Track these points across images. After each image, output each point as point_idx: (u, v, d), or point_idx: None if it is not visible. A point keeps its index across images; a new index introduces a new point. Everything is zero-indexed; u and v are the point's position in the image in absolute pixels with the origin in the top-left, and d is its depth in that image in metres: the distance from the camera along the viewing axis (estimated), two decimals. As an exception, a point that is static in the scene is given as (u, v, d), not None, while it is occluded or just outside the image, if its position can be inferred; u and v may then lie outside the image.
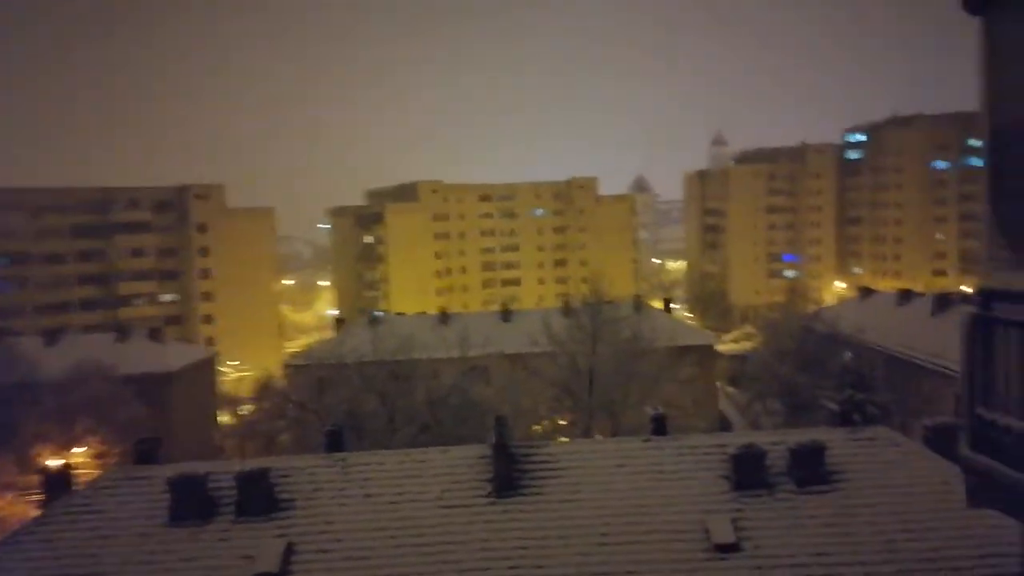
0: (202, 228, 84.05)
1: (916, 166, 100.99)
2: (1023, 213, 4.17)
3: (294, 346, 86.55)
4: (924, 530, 14.09)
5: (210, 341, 76.93)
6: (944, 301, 45.48)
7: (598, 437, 31.16)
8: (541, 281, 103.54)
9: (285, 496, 16.68)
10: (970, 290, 60.39)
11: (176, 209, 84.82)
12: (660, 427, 19.08)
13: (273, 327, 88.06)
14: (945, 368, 36.88)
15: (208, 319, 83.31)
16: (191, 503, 16.17)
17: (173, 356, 49.63)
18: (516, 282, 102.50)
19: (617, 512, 15.46)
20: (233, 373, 72.19)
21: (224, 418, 54.74)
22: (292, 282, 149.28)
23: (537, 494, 16.24)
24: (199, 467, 17.69)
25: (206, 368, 55.67)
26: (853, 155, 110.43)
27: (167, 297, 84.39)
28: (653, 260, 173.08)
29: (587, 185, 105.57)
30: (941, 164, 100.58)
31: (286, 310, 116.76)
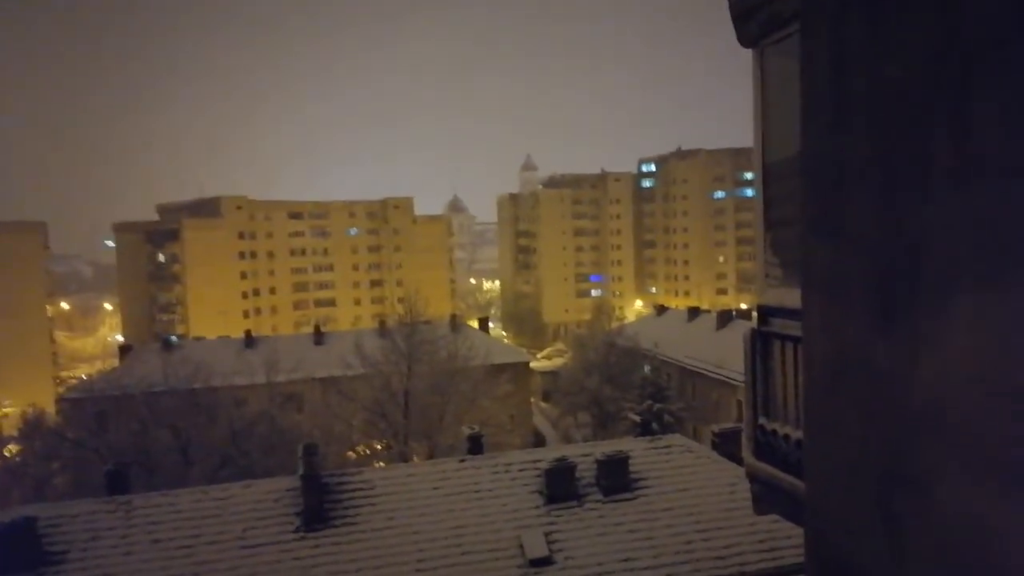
0: (-46, 244, 72.73)
1: (699, 195, 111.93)
2: (790, 238, 4.54)
3: (72, 377, 77.03)
4: (716, 529, 15.31)
5: (-36, 374, 66.32)
6: (726, 317, 50.69)
7: (415, 460, 30.74)
8: (357, 302, 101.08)
9: (56, 548, 14.59)
10: (747, 307, 67.78)
11: (-81, 221, 72.73)
12: (476, 446, 19.20)
13: (45, 356, 77.93)
14: (728, 378, 40.89)
15: (-38, 349, 71.86)
16: (-71, 569, 13.61)
17: (-88, 393, 42.10)
18: (330, 303, 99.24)
19: (433, 536, 15.22)
20: (-5, 410, 62.67)
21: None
22: (68, 306, 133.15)
23: (350, 525, 15.56)
24: (-58, 524, 14.96)
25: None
26: (647, 183, 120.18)
27: (-93, 324, 71.77)
28: (470, 280, 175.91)
29: (403, 205, 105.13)
30: (720, 194, 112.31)
31: (61, 337, 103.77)
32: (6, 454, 41.11)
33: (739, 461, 16.28)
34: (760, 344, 4.79)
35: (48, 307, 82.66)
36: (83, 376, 66.30)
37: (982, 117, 1.91)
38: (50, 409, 40.17)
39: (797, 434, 4.20)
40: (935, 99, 2.04)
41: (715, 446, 18.57)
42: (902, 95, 2.15)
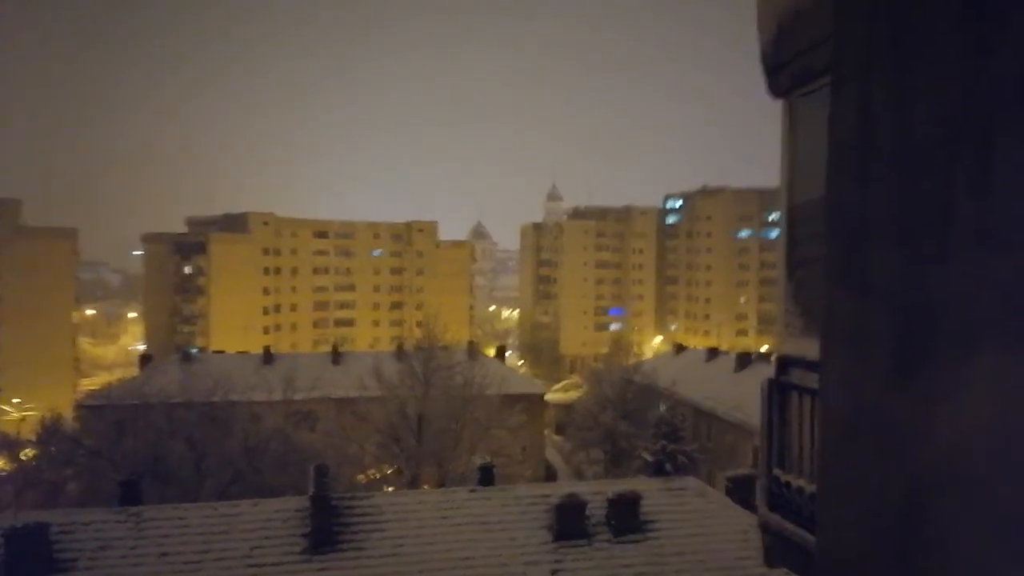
0: (-11, 247, 74.38)
1: (723, 234, 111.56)
2: (814, 284, 4.51)
3: (92, 384, 77.93)
4: (725, 576, 15.00)
5: (-12, 374, 67.37)
6: (745, 360, 50.09)
7: (425, 487, 30.57)
8: (376, 323, 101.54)
9: (66, 556, 14.66)
10: (766, 350, 67.02)
11: (-44, 224, 74.59)
12: (487, 477, 19.05)
13: (67, 361, 78.96)
14: (745, 422, 40.26)
15: (-11, 349, 73.14)
16: (-61, 568, 13.72)
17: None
18: (350, 322, 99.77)
19: (440, 566, 15.07)
20: (15, 412, 63.49)
21: (0, 463, 47.79)
22: (93, 312, 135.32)
23: (357, 549, 15.47)
24: (-45, 524, 15.11)
25: (-20, 406, 48.52)
26: (672, 219, 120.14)
27: (-62, 323, 73.24)
28: (489, 307, 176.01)
29: (427, 229, 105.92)
30: (744, 233, 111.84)
31: (85, 343, 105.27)
32: (22, 457, 41.55)
33: (753, 508, 15.96)
34: (777, 394, 4.75)
35: (73, 313, 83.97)
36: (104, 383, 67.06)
37: (1005, 176, 1.91)
38: (68, 414, 40.59)
39: (811, 487, 4.13)
40: (959, 156, 2.05)
41: (729, 492, 18.26)
42: (927, 151, 2.16)
